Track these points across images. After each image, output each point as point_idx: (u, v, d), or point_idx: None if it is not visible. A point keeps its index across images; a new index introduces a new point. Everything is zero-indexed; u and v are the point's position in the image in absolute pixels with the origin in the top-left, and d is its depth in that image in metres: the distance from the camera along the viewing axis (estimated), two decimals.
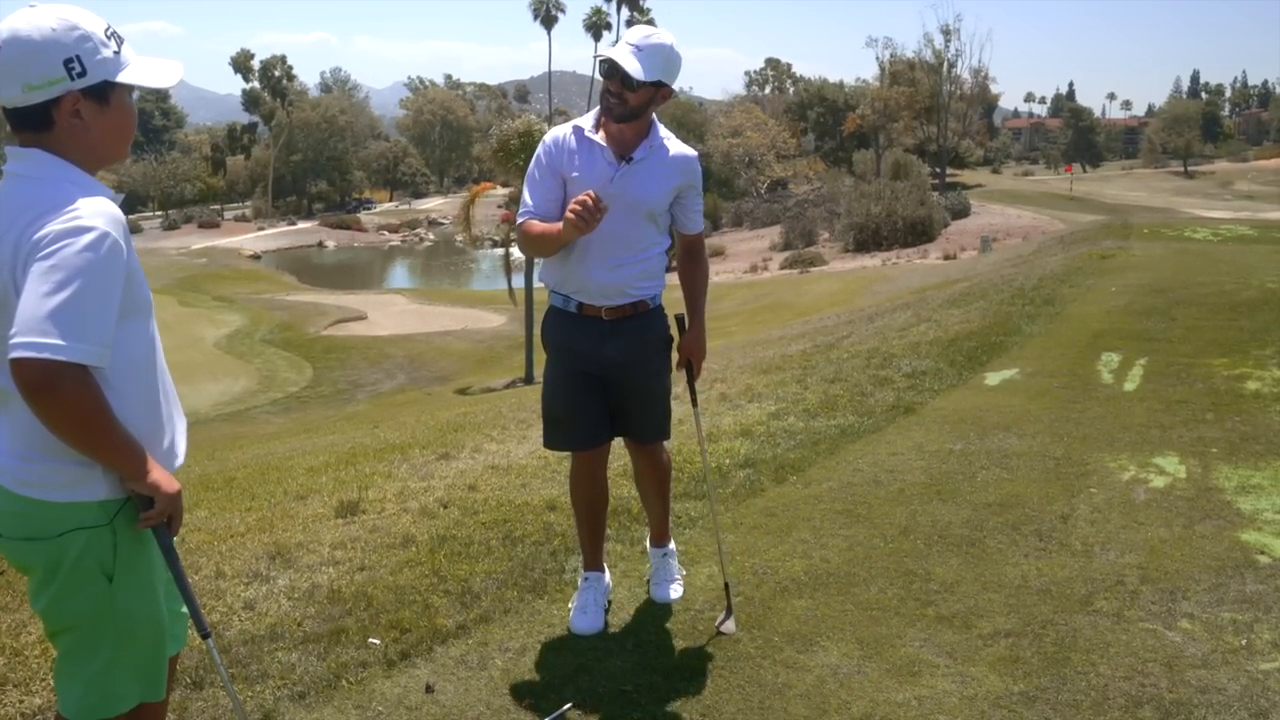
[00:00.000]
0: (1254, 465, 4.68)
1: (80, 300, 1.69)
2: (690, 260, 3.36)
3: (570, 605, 3.38)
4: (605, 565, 3.49)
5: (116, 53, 1.85)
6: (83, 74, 1.79)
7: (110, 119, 1.86)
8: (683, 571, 3.60)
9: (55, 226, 1.70)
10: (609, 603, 3.42)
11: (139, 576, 1.97)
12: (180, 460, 2.05)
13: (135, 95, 1.95)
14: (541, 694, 2.90)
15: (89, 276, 1.70)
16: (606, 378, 3.21)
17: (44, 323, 1.67)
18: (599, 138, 3.08)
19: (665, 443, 3.45)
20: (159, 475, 1.90)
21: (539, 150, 3.13)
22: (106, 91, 1.84)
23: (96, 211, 1.75)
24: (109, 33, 1.85)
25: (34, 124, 1.82)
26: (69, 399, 1.73)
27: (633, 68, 2.93)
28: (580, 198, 2.85)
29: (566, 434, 3.30)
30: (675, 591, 3.48)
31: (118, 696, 2.01)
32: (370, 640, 3.18)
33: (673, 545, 3.59)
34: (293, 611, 3.40)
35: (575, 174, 3.07)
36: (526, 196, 3.13)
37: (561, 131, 3.15)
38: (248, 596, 3.52)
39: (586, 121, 3.13)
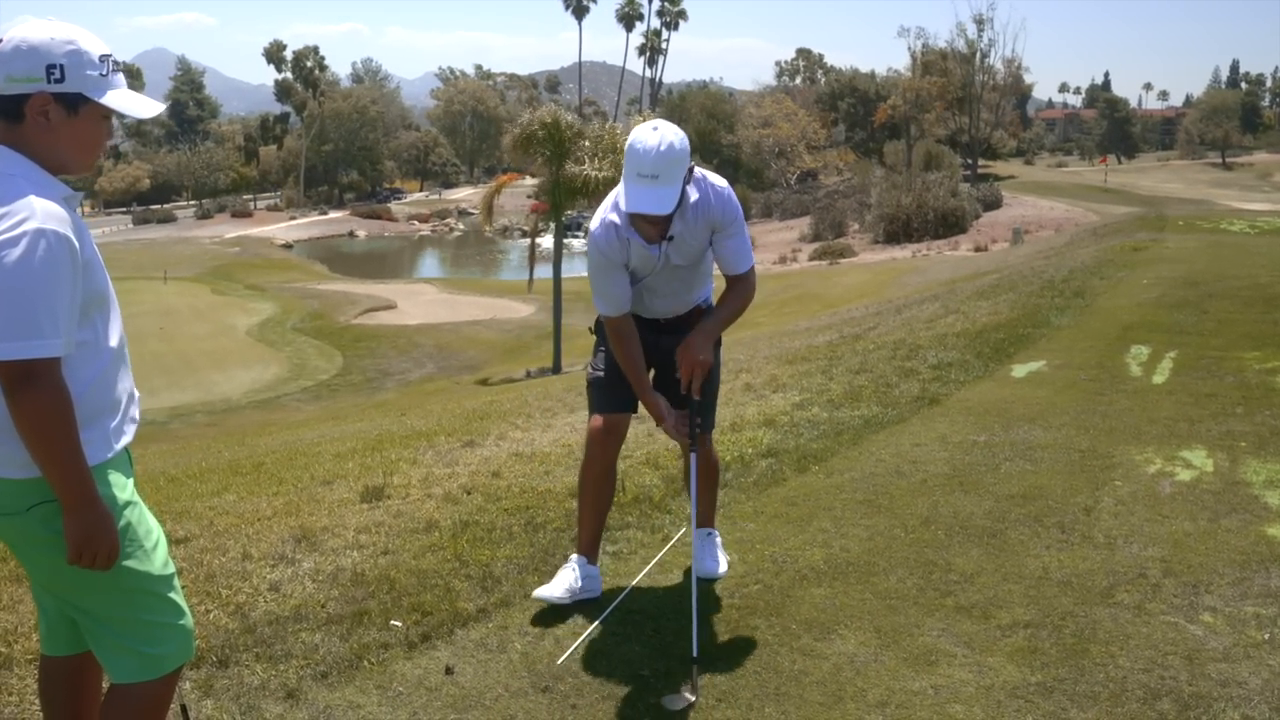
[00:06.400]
0: None
1: (34, 300, 1.84)
2: (732, 287, 3.33)
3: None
4: (596, 560, 3.48)
5: (104, 76, 2.00)
6: (60, 81, 1.95)
7: (75, 128, 2.00)
8: (726, 555, 3.65)
9: (3, 235, 1.84)
10: (577, 591, 3.36)
11: (127, 536, 2.05)
12: (128, 438, 2.13)
13: (113, 120, 2.10)
14: (559, 676, 2.93)
15: (37, 277, 1.84)
16: (659, 366, 3.37)
17: (10, 327, 1.83)
18: (633, 235, 3.13)
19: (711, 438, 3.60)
20: (103, 513, 1.97)
21: (594, 253, 3.19)
22: (78, 104, 1.98)
23: (43, 213, 1.87)
24: (104, 58, 2.00)
25: (7, 114, 1.97)
26: (42, 394, 1.87)
27: (666, 206, 2.97)
28: (672, 426, 3.25)
29: (606, 394, 3.36)
30: (722, 566, 3.56)
31: (159, 657, 2.12)
32: (392, 622, 3.22)
33: (715, 529, 3.71)
34: (317, 593, 3.45)
35: (629, 264, 3.20)
36: (601, 291, 3.22)
37: (603, 229, 3.17)
38: (273, 578, 3.58)
39: (618, 216, 3.13)
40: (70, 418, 1.91)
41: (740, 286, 3.29)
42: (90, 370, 2.00)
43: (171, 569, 2.16)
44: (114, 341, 2.08)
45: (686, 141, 3.02)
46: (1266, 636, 3.05)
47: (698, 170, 3.15)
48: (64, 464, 1.91)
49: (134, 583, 2.07)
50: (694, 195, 3.12)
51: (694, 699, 2.81)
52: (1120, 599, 3.33)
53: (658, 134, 2.96)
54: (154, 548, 2.12)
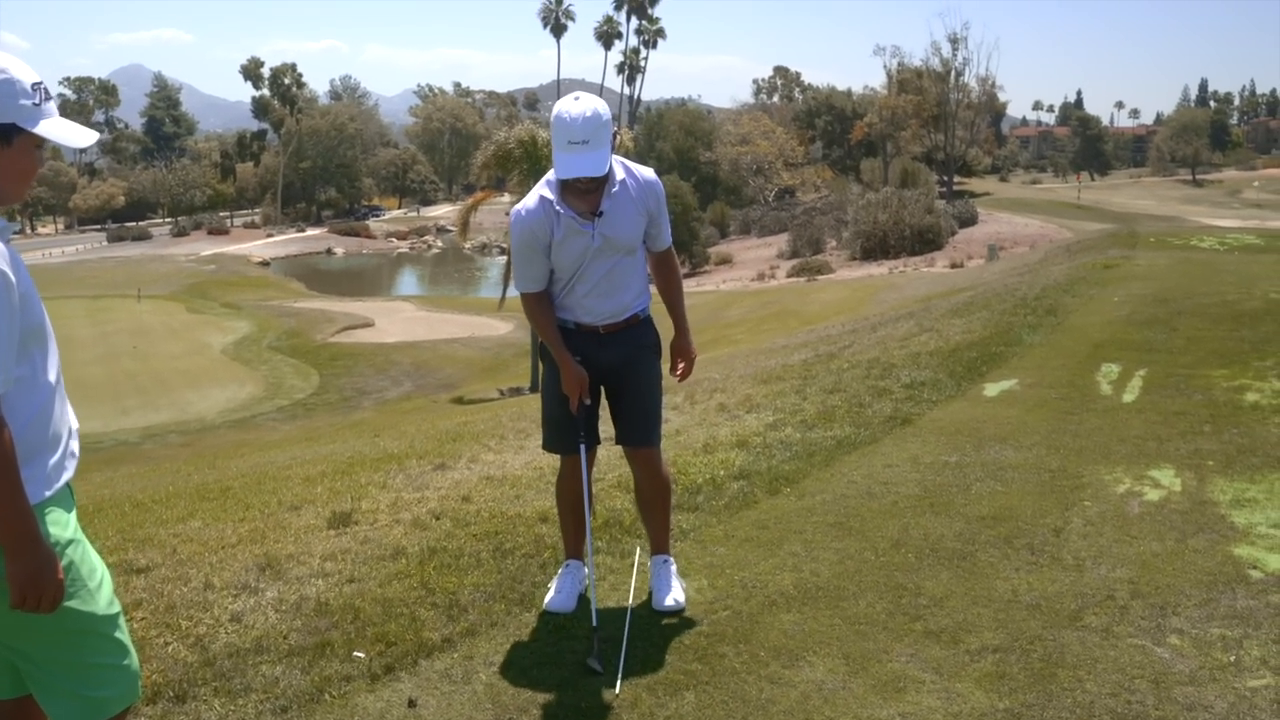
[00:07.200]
0: (1250, 478, 4.65)
1: None
2: (663, 271, 3.53)
3: (548, 587, 3.57)
4: (584, 556, 3.64)
5: (37, 105, 1.97)
6: None
7: (9, 159, 1.96)
8: (683, 582, 3.61)
9: None
10: (584, 589, 3.56)
11: (70, 575, 1.99)
12: (69, 473, 2.07)
13: (44, 148, 2.06)
14: (524, 708, 2.89)
15: None
16: (603, 382, 3.44)
17: None
18: (566, 209, 3.20)
19: (663, 454, 3.63)
20: (47, 553, 1.91)
21: (516, 232, 3.28)
22: (11, 134, 1.94)
23: None
24: (36, 86, 1.97)
25: None
26: None
27: (600, 168, 3.08)
28: (579, 393, 3.31)
29: (565, 437, 3.45)
30: (678, 599, 3.49)
31: (103, 701, 2.06)
32: (355, 653, 3.17)
33: (671, 556, 3.65)
34: (279, 624, 3.40)
35: (555, 241, 3.24)
36: (521, 269, 3.33)
37: (530, 204, 3.25)
38: (235, 609, 3.52)
39: (551, 192, 3.22)
40: (11, 457, 1.84)
41: (673, 267, 3.52)
42: (29, 406, 1.95)
43: (117, 608, 2.11)
44: (52, 375, 2.02)
45: (608, 109, 3.16)
46: (1232, 659, 3.06)
47: (621, 158, 3.28)
48: (5, 505, 1.84)
49: (78, 624, 2.01)
50: (620, 175, 3.25)
51: (600, 669, 3.05)
52: (1088, 622, 3.33)
53: (581, 103, 3.11)
54: (98, 587, 2.06)
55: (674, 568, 3.59)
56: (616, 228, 3.24)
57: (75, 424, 2.13)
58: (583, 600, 3.54)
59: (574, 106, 3.08)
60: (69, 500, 2.08)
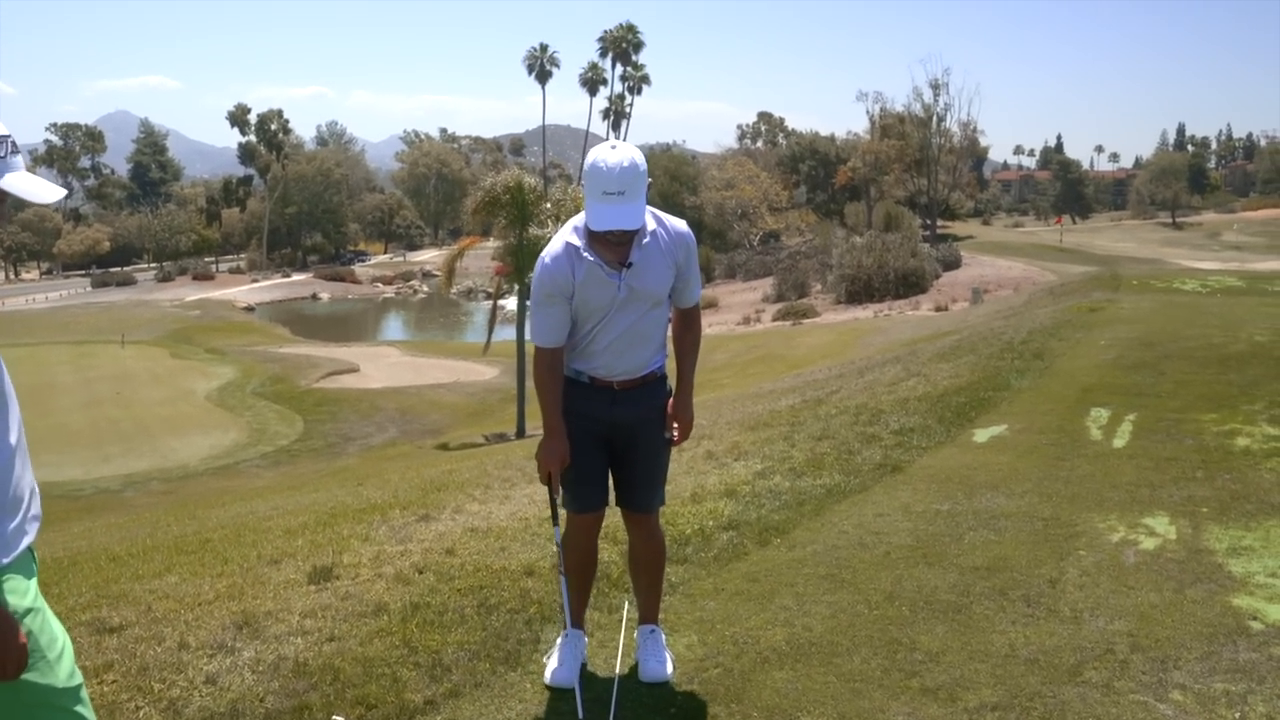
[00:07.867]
0: (1245, 526, 4.60)
1: None
2: (684, 326, 3.38)
3: (546, 659, 3.40)
4: (585, 625, 3.51)
5: (3, 158, 1.92)
6: None
7: None
8: (671, 654, 3.45)
9: None
10: (584, 662, 3.39)
11: (28, 646, 1.89)
12: (30, 537, 1.98)
13: (8, 202, 2.00)
14: None
15: None
16: (614, 440, 3.30)
17: None
18: (593, 256, 3.07)
19: (660, 519, 3.51)
20: (6, 622, 1.83)
21: (543, 282, 3.11)
22: None
23: None
24: (2, 140, 1.93)
25: None
26: None
27: (637, 220, 2.96)
28: (556, 469, 3.19)
29: (580, 497, 3.32)
30: (666, 669, 3.34)
31: None
32: (334, 717, 3.06)
33: (659, 625, 3.51)
34: (256, 686, 3.28)
35: (580, 293, 3.09)
36: (540, 321, 3.17)
37: (555, 250, 3.11)
38: (210, 670, 3.41)
39: (578, 238, 3.09)
40: None
41: (695, 325, 3.37)
42: None
43: (78, 679, 2.01)
44: (13, 437, 1.94)
45: (644, 159, 3.03)
46: (1237, 715, 2.98)
47: (651, 209, 3.14)
48: None
49: (36, 698, 1.91)
50: (651, 226, 3.11)
51: None
52: (1088, 677, 3.25)
53: (618, 152, 2.97)
54: (58, 658, 1.96)
55: (663, 639, 3.45)
56: (645, 279, 3.10)
57: (36, 486, 2.05)
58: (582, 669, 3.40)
59: (611, 156, 2.94)
60: (30, 566, 1.98)
